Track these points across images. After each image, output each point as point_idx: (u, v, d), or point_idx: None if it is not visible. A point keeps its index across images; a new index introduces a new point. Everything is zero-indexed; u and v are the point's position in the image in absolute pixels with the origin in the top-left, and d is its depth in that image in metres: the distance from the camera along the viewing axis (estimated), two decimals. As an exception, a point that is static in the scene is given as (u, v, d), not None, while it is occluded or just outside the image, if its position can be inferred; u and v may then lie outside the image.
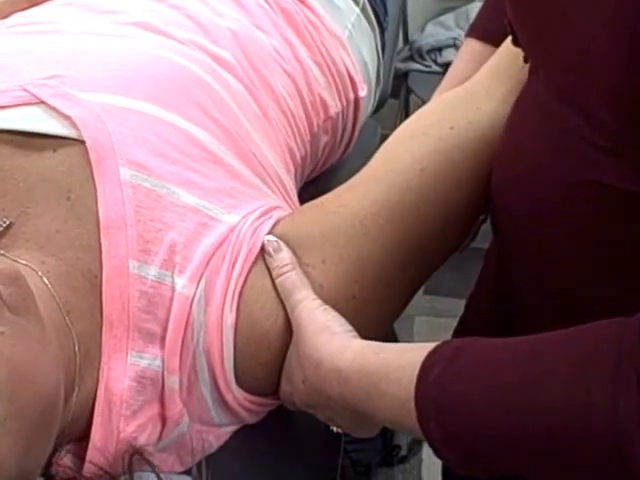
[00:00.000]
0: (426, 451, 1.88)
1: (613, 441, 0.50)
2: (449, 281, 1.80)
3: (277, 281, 0.72)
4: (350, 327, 0.70)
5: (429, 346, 0.60)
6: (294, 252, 0.74)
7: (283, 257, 0.73)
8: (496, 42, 0.85)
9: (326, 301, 0.72)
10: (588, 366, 0.52)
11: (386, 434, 1.82)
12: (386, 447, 1.84)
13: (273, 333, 0.72)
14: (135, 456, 0.67)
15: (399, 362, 0.61)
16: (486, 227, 0.87)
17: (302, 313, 0.70)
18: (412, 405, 0.58)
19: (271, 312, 0.72)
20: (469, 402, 0.56)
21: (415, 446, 1.87)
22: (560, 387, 0.52)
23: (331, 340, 0.67)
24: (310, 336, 0.69)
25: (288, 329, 0.72)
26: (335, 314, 0.71)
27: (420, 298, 2.00)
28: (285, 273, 0.72)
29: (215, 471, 0.71)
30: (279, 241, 0.74)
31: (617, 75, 0.53)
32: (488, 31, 0.90)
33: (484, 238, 0.87)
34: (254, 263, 0.72)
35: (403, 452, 1.86)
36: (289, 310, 0.72)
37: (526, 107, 0.70)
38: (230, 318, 0.70)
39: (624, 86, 0.53)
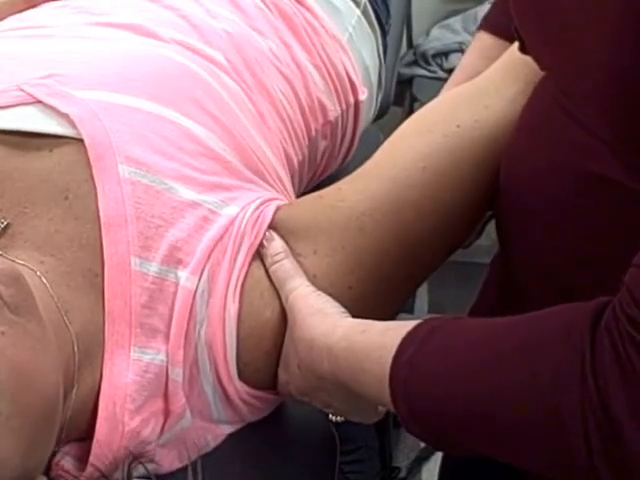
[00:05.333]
0: (426, 472, 1.89)
1: (555, 421, 0.54)
2: (454, 298, 1.81)
3: (270, 270, 0.77)
4: (343, 309, 0.74)
5: (410, 325, 0.64)
6: (287, 241, 0.78)
7: (275, 246, 0.77)
8: (509, 37, 0.86)
9: (321, 288, 0.76)
10: (537, 347, 0.56)
11: (385, 455, 1.84)
12: (385, 469, 1.85)
13: (274, 321, 0.76)
14: (134, 462, 0.71)
15: (381, 341, 0.66)
16: (489, 242, 0.89)
17: (296, 299, 0.75)
18: (387, 383, 0.63)
19: (270, 300, 0.76)
20: (433, 382, 0.61)
21: (415, 468, 1.89)
22: (509, 367, 0.57)
23: (323, 321, 0.72)
24: (303, 318, 0.73)
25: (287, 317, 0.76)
26: (328, 298, 0.75)
27: (425, 315, 2.01)
28: (278, 262, 0.76)
29: (212, 472, 0.74)
30: (271, 231, 0.78)
31: (613, 79, 0.56)
32: (501, 25, 0.91)
33: (488, 253, 0.90)
34: (256, 254, 0.77)
35: (402, 474, 1.88)
36: (283, 298, 0.76)
37: (539, 103, 0.73)
38: (233, 308, 0.74)
39: (620, 89, 0.56)
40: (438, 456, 1.93)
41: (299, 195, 1.03)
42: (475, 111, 0.82)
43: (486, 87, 0.84)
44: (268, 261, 0.77)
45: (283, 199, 0.84)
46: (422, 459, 1.92)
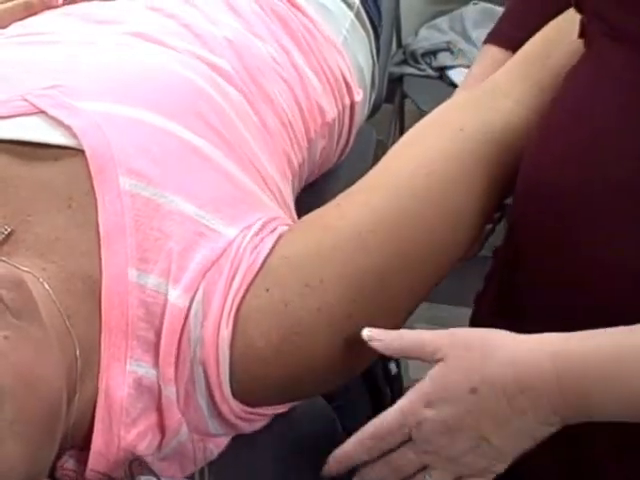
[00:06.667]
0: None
1: None
2: (447, 288, 1.81)
3: (400, 347, 0.71)
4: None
5: None
6: (295, 276, 0.74)
7: (391, 334, 0.72)
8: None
9: (321, 323, 0.73)
10: None
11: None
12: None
13: (268, 351, 0.72)
14: (135, 462, 0.70)
15: (633, 343, 0.62)
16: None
17: (457, 336, 0.69)
18: None
19: (265, 330, 0.72)
20: None
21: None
22: None
23: (516, 341, 0.67)
24: (492, 344, 0.67)
25: (282, 348, 0.73)
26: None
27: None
28: (403, 336, 0.71)
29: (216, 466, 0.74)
30: (374, 330, 0.72)
31: None
32: (514, 40, 0.88)
33: (487, 246, 0.90)
34: (252, 281, 0.73)
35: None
36: (434, 352, 0.69)
37: (587, 85, 0.69)
38: (226, 333, 0.71)
39: None
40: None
41: (298, 192, 1.03)
42: (480, 114, 0.80)
43: (492, 90, 0.83)
44: (394, 348, 0.71)
45: (282, 216, 0.81)
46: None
